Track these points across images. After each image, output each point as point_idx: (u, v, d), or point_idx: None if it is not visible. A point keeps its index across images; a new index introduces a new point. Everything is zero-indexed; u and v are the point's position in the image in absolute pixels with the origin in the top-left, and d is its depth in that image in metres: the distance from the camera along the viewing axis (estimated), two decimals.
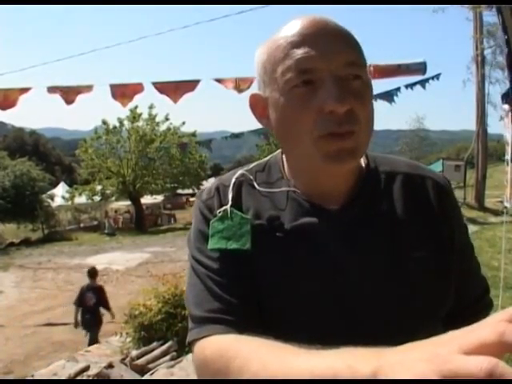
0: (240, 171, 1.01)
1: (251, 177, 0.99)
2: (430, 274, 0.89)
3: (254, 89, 0.95)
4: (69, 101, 6.45)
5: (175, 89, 6.41)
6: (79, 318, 7.38)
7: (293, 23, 0.87)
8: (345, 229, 0.89)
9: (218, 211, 0.93)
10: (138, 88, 6.50)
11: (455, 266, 0.93)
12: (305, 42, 0.83)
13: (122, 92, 6.48)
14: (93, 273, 7.89)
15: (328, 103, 0.80)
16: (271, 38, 0.90)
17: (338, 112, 0.81)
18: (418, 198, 0.94)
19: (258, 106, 0.93)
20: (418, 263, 0.89)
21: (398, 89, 6.78)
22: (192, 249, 0.94)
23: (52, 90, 6.47)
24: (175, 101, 6.38)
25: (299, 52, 0.83)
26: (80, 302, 7.44)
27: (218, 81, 6.68)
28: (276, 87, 0.86)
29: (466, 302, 1.00)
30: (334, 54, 0.82)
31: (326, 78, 0.82)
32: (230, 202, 0.93)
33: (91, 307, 7.34)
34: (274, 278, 0.87)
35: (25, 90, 6.37)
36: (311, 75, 0.83)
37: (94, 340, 7.33)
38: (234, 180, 0.98)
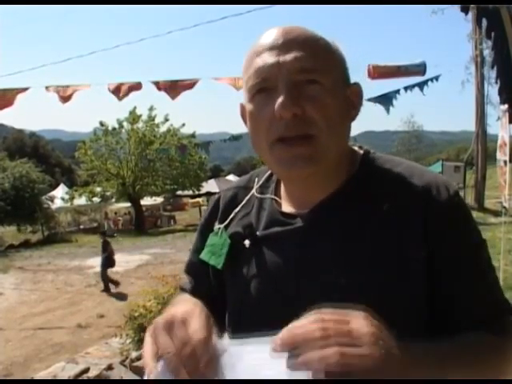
0: (248, 175, 1.14)
1: (256, 179, 1.09)
2: (381, 283, 0.86)
3: None
4: (65, 98, 6.38)
5: (174, 86, 6.37)
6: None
7: (263, 34, 0.91)
8: (304, 234, 0.93)
9: (217, 227, 1.05)
10: (136, 86, 6.47)
11: (435, 281, 0.88)
12: (264, 52, 0.88)
13: (119, 87, 6.43)
14: (103, 233, 14.12)
15: (276, 109, 0.84)
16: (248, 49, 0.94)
17: (285, 117, 0.84)
18: (396, 207, 0.89)
19: (244, 114, 0.98)
20: (367, 272, 0.87)
21: (398, 91, 6.78)
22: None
23: (48, 88, 6.44)
24: (173, 97, 6.33)
25: (258, 61, 0.88)
26: (105, 249, 12.22)
27: (217, 79, 6.68)
28: (246, 95, 0.93)
29: (453, 328, 0.90)
30: (287, 60, 0.86)
31: (278, 85, 0.86)
32: (224, 223, 1.05)
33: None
34: (235, 280, 1.00)
35: (22, 90, 6.35)
36: (267, 83, 0.87)
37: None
38: (233, 190, 1.11)
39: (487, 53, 16.76)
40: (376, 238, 0.88)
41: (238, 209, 1.06)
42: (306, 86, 0.86)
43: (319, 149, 0.87)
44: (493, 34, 3.19)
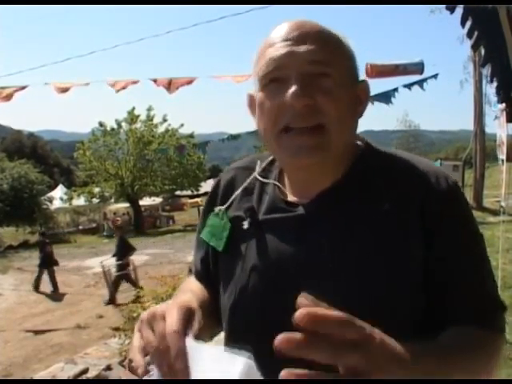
0: (250, 157, 1.15)
1: (259, 162, 1.09)
2: (379, 274, 0.86)
3: (251, 82, 1.00)
4: (62, 89, 6.35)
5: (172, 82, 6.35)
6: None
7: (276, 27, 0.92)
8: (304, 223, 0.94)
9: (217, 208, 1.06)
10: (133, 81, 6.45)
11: (431, 274, 0.88)
12: (277, 43, 0.89)
13: (117, 83, 6.42)
14: (42, 233, 14.93)
15: (287, 98, 0.85)
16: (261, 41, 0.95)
17: (296, 106, 0.85)
18: (395, 198, 0.90)
19: (252, 104, 0.99)
20: (365, 263, 0.87)
21: (396, 89, 6.78)
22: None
23: (47, 84, 6.42)
24: (171, 92, 6.31)
25: (271, 51, 0.89)
26: (41, 250, 12.92)
27: (217, 77, 6.67)
28: (257, 86, 0.93)
29: (443, 318, 0.90)
30: (300, 51, 0.87)
31: (291, 75, 0.87)
32: (225, 205, 1.05)
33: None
34: (233, 263, 1.00)
35: (20, 88, 6.32)
36: (279, 73, 0.88)
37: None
38: (233, 171, 1.12)
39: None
40: (375, 232, 0.89)
41: (238, 191, 1.06)
42: (318, 79, 0.87)
43: (328, 139, 0.88)
44: (476, 33, 3.20)
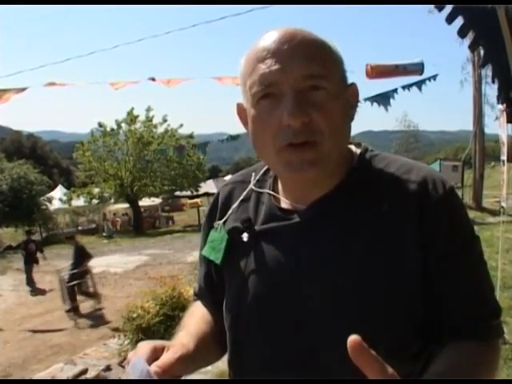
0: (245, 170, 1.17)
1: (253, 174, 1.11)
2: (378, 278, 0.86)
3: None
4: (64, 85, 6.35)
5: (170, 82, 6.36)
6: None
7: (263, 37, 0.91)
8: (301, 230, 0.94)
9: (216, 223, 1.07)
10: (133, 82, 6.47)
11: (428, 278, 0.88)
12: (268, 57, 0.87)
13: (116, 83, 6.43)
14: (29, 232, 15.66)
15: (284, 118, 0.85)
16: (246, 51, 0.94)
17: (294, 126, 0.85)
18: (392, 204, 0.89)
19: (242, 114, 0.99)
20: (364, 268, 0.87)
21: (395, 90, 6.76)
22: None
23: (49, 84, 6.42)
24: (169, 86, 6.31)
25: (263, 67, 0.88)
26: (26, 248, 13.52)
27: (217, 79, 6.67)
28: (247, 99, 0.93)
29: (437, 328, 0.91)
30: (293, 67, 0.86)
31: (285, 92, 0.86)
32: (223, 218, 1.07)
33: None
34: (233, 275, 1.01)
35: (20, 90, 6.32)
36: (273, 89, 0.88)
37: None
38: (231, 185, 1.13)
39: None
40: (373, 237, 0.88)
41: (236, 204, 1.07)
42: (312, 93, 0.87)
43: (322, 153, 0.88)
44: (473, 33, 3.19)
